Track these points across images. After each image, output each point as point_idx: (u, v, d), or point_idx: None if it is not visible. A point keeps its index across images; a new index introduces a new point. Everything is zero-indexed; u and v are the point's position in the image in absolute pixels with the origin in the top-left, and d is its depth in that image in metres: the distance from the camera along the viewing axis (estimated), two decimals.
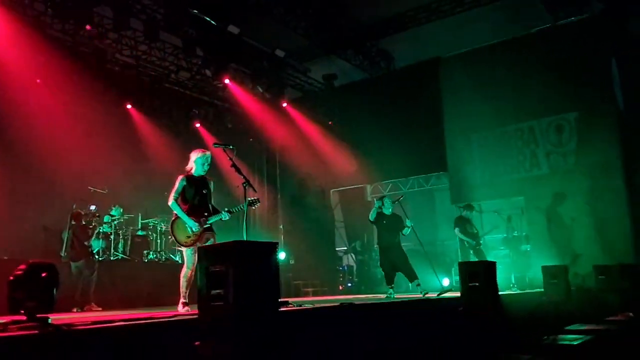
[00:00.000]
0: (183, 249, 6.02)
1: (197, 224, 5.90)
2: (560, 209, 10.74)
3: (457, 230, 10.37)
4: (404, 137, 13.17)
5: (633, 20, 10.70)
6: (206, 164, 6.10)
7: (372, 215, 9.02)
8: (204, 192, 6.09)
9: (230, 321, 3.52)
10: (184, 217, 5.88)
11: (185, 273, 5.88)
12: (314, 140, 14.86)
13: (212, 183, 6.29)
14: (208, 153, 6.16)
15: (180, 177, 6.03)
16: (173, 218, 6.03)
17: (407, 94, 12.98)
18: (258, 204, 6.29)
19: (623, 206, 10.37)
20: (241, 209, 6.01)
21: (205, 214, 6.01)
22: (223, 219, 6.12)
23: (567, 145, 11.39)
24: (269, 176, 16.34)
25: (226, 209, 6.09)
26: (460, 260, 10.01)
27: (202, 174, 6.11)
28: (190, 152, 6.29)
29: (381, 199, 9.23)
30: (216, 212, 6.12)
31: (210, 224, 6.07)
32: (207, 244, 5.90)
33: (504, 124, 12.23)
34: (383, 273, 9.25)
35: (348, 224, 16.29)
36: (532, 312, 7.38)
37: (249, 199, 6.09)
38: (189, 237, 5.91)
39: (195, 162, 6.07)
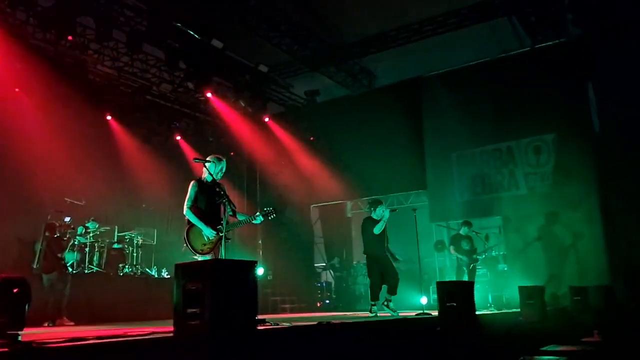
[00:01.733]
0: (198, 257, 5.76)
1: (214, 232, 5.72)
2: (553, 228, 10.86)
3: (451, 248, 10.47)
4: (384, 155, 13.27)
5: (609, 45, 10.98)
6: (221, 173, 5.93)
7: (378, 229, 8.38)
8: (217, 198, 5.87)
9: (206, 340, 3.47)
10: (201, 224, 5.69)
11: None
12: (295, 155, 14.88)
13: (224, 187, 5.99)
14: (224, 160, 6.00)
15: (192, 183, 5.88)
16: (187, 226, 5.78)
17: (388, 111, 13.07)
18: (273, 217, 6.09)
19: (598, 227, 10.52)
20: (260, 217, 5.96)
21: (219, 220, 5.83)
22: (256, 222, 6.01)
23: (545, 166, 11.55)
24: (249, 190, 16.26)
25: (257, 213, 5.97)
26: (454, 279, 10.10)
27: (217, 180, 5.95)
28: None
29: (377, 204, 8.64)
30: (234, 218, 5.92)
31: (227, 236, 5.79)
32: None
33: (483, 144, 12.38)
34: (368, 287, 8.82)
35: (327, 240, 16.28)
36: (509, 332, 7.40)
37: (265, 209, 6.03)
38: (204, 244, 5.74)
39: (210, 168, 5.89)
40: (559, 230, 10.88)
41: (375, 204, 8.67)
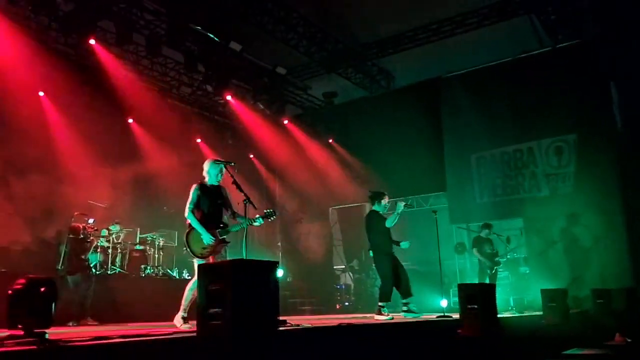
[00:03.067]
0: (195, 260, 5.79)
1: (213, 238, 5.74)
2: (574, 230, 10.71)
3: (474, 250, 10.38)
4: (403, 156, 13.20)
5: (631, 43, 10.81)
6: (220, 174, 5.96)
7: (391, 221, 7.75)
8: (218, 202, 5.93)
9: (228, 340, 3.50)
10: (200, 229, 5.71)
11: (193, 286, 5.67)
12: (313, 157, 14.90)
13: (226, 191, 6.08)
14: (221, 164, 6.03)
15: (194, 186, 5.90)
16: (188, 229, 5.83)
17: (407, 112, 13.01)
18: (274, 218, 6.12)
19: (621, 229, 10.35)
20: (265, 218, 5.96)
21: (221, 225, 5.89)
22: (256, 225, 6.01)
23: (567, 167, 11.40)
24: (268, 193, 16.34)
25: (257, 216, 5.96)
26: (477, 281, 10.01)
27: (216, 183, 5.97)
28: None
29: (381, 197, 8.00)
30: (236, 219, 5.99)
31: (226, 240, 5.91)
32: (220, 256, 5.83)
33: (504, 145, 12.27)
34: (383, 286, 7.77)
35: (346, 242, 16.25)
36: (531, 335, 7.33)
37: (266, 210, 6.03)
38: (204, 248, 5.76)
39: (209, 171, 5.96)
40: (580, 232, 10.71)
41: (378, 196, 8.00)
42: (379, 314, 7.63)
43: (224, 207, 6.00)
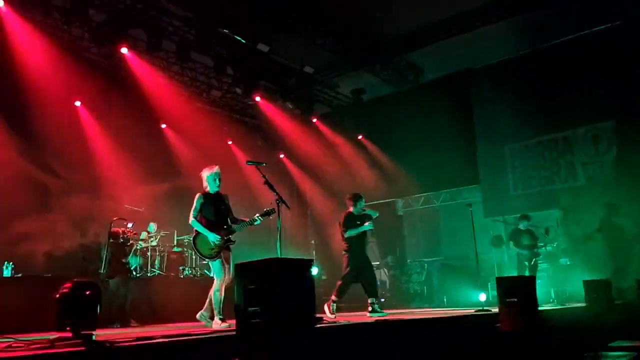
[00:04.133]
0: (210, 263, 6.16)
1: (219, 236, 6.04)
2: (615, 220, 10.44)
3: (511, 244, 10.25)
4: (434, 150, 13.09)
5: None
6: (217, 179, 6.23)
7: (354, 232, 7.81)
8: (222, 207, 6.25)
9: (267, 338, 3.54)
10: (205, 231, 6.04)
11: (217, 287, 6.00)
12: (343, 155, 14.90)
13: (228, 197, 6.39)
14: (216, 169, 6.30)
15: (197, 195, 6.19)
16: (194, 234, 6.16)
17: (437, 106, 12.89)
18: (274, 214, 6.24)
19: None
20: (264, 216, 6.19)
21: (225, 227, 6.17)
22: (256, 224, 6.25)
23: (605, 155, 11.12)
24: (300, 191, 16.42)
25: (257, 215, 6.22)
26: (517, 273, 9.88)
27: (217, 189, 6.24)
28: (223, 170, 6.41)
29: (358, 199, 8.02)
30: (236, 223, 6.27)
31: (231, 239, 6.20)
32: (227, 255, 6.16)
33: (538, 135, 12.05)
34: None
35: (379, 239, 16.20)
36: (573, 328, 7.18)
37: (265, 209, 6.25)
38: (212, 249, 6.05)
39: (207, 180, 6.25)
40: (622, 221, 10.41)
41: (357, 198, 8.03)
42: (327, 307, 7.62)
43: (227, 213, 6.30)
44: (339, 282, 7.81)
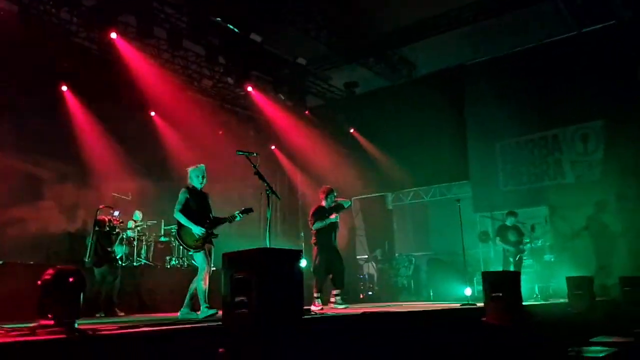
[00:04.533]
0: (193, 254, 6.33)
1: (203, 229, 6.20)
2: (603, 218, 10.54)
3: (497, 239, 10.32)
4: (425, 145, 13.13)
5: None
6: (201, 176, 6.40)
7: (320, 225, 8.01)
8: (203, 203, 6.44)
9: (254, 328, 3.52)
10: (190, 224, 6.17)
11: (202, 277, 6.14)
12: (335, 148, 14.88)
13: (209, 196, 6.63)
14: (201, 165, 6.46)
15: (182, 190, 6.35)
16: (177, 227, 6.31)
17: (429, 101, 12.89)
18: (252, 212, 6.57)
19: None
20: (240, 215, 6.39)
21: (207, 220, 6.34)
22: (237, 220, 6.45)
23: (594, 154, 11.22)
24: (291, 183, 16.38)
25: (237, 211, 6.40)
26: (502, 269, 9.97)
27: (200, 187, 6.41)
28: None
29: (330, 193, 8.23)
30: (217, 220, 6.44)
31: (214, 232, 6.39)
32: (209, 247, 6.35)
33: (528, 132, 12.11)
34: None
35: (369, 232, 16.23)
36: (557, 323, 7.24)
37: (244, 207, 6.46)
38: (196, 240, 6.20)
39: (191, 176, 6.42)
40: (608, 219, 10.51)
41: (330, 192, 8.23)
42: (314, 305, 7.68)
43: (209, 209, 6.50)
44: (315, 278, 8.03)
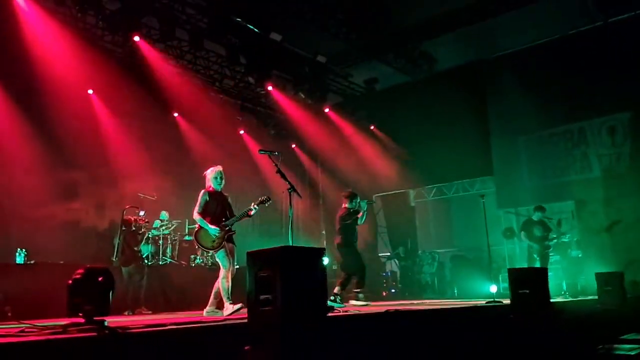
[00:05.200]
0: (215, 254, 6.50)
1: (217, 229, 6.31)
2: (632, 211, 10.34)
3: (522, 234, 10.21)
4: (447, 141, 13.01)
5: None
6: (219, 178, 6.52)
7: (362, 219, 8.44)
8: (223, 205, 6.56)
9: (278, 326, 3.54)
10: (207, 226, 6.33)
11: (224, 275, 6.27)
12: (356, 144, 14.86)
13: (228, 197, 6.74)
14: (219, 169, 6.59)
15: (202, 192, 6.48)
16: (196, 229, 6.45)
17: (451, 96, 12.77)
18: (270, 202, 6.61)
19: None
20: (259, 204, 6.43)
21: (224, 219, 6.45)
22: (254, 212, 6.48)
23: (621, 146, 10.99)
24: (312, 181, 16.41)
25: (253, 205, 6.45)
26: (526, 265, 9.86)
27: (219, 188, 6.53)
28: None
29: (353, 196, 8.66)
30: (233, 217, 6.52)
31: (231, 236, 6.48)
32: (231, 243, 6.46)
33: (553, 126, 11.94)
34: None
35: (391, 229, 16.18)
36: (586, 320, 7.13)
37: (260, 197, 6.53)
38: (213, 241, 6.34)
39: (211, 179, 6.54)
40: (637, 213, 10.29)
41: (353, 195, 8.67)
42: (355, 300, 8.20)
43: (228, 210, 6.62)
44: (343, 276, 8.36)
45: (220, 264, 6.37)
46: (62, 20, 9.90)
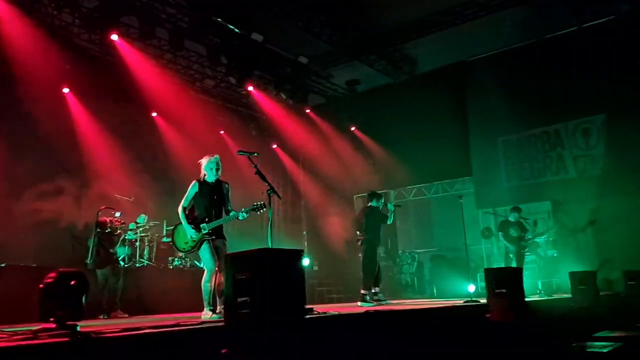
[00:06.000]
0: (199, 253, 6.02)
1: (194, 231, 5.92)
2: (606, 212, 10.53)
3: (500, 235, 10.34)
4: (428, 142, 13.11)
5: None
6: (215, 168, 6.05)
7: (390, 220, 8.85)
8: (215, 197, 6.05)
9: (256, 328, 3.53)
10: (185, 225, 5.95)
11: (207, 278, 5.84)
12: (337, 146, 14.87)
13: (229, 187, 6.23)
14: (216, 156, 6.14)
15: (192, 183, 6.07)
16: (176, 224, 6.14)
17: (431, 98, 12.87)
18: (264, 210, 6.07)
19: None
20: (252, 210, 5.99)
21: (207, 219, 5.99)
22: (240, 219, 6.04)
23: (595, 148, 11.21)
24: (292, 182, 16.39)
25: (243, 210, 6.01)
26: (503, 265, 9.98)
27: (213, 179, 6.08)
28: (199, 161, 6.26)
29: (377, 195, 8.92)
30: (224, 214, 6.07)
31: (218, 231, 6.03)
32: (219, 250, 5.96)
33: (530, 127, 12.12)
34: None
35: None
36: (560, 318, 7.24)
37: (255, 203, 6.04)
38: (186, 243, 6.01)
39: (205, 168, 6.08)
40: (611, 213, 10.50)
41: (377, 195, 8.87)
42: (363, 302, 8.27)
43: (222, 203, 6.09)
44: (366, 276, 8.50)
45: (204, 264, 5.99)
46: (37, 16, 9.73)
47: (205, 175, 6.08)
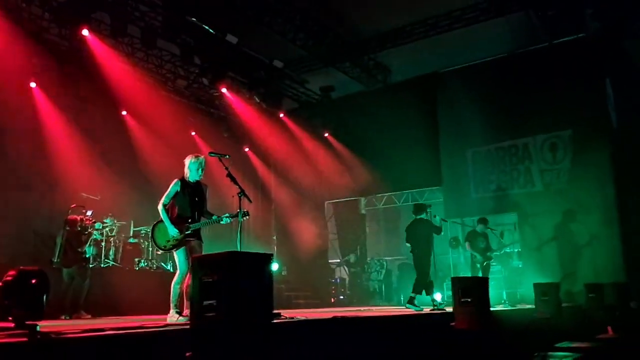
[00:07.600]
0: (175, 253, 5.91)
1: (177, 231, 5.81)
2: (570, 227, 10.78)
3: (466, 244, 10.46)
4: (399, 151, 13.21)
5: (628, 40, 10.82)
6: (200, 169, 5.96)
7: (441, 231, 9.33)
8: (196, 199, 5.98)
9: (222, 332, 3.48)
10: (167, 223, 5.83)
11: (178, 279, 5.74)
12: (309, 151, 14.88)
13: (207, 189, 6.17)
14: (202, 157, 6.04)
15: (174, 181, 5.96)
16: (157, 221, 5.98)
17: (404, 107, 12.98)
18: (247, 217, 5.98)
19: (614, 225, 10.42)
20: (234, 217, 5.90)
21: (189, 220, 5.90)
22: (222, 223, 5.98)
23: (562, 163, 11.48)
24: (263, 186, 16.31)
25: (227, 214, 5.95)
26: (470, 274, 10.11)
27: (197, 179, 6.00)
28: (181, 161, 6.17)
29: (426, 207, 9.39)
30: (207, 216, 6.01)
31: (197, 232, 5.96)
32: (195, 251, 5.83)
33: (499, 140, 12.32)
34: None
35: (342, 236, 16.27)
36: (523, 329, 7.36)
37: (245, 210, 5.90)
38: (168, 241, 5.88)
39: (189, 167, 5.97)
40: (575, 227, 10.77)
41: (424, 207, 9.34)
42: (409, 304, 8.88)
43: (201, 204, 6.03)
44: (420, 282, 8.97)
45: (178, 265, 5.83)
46: (5, 8, 9.46)
47: (187, 174, 5.98)
